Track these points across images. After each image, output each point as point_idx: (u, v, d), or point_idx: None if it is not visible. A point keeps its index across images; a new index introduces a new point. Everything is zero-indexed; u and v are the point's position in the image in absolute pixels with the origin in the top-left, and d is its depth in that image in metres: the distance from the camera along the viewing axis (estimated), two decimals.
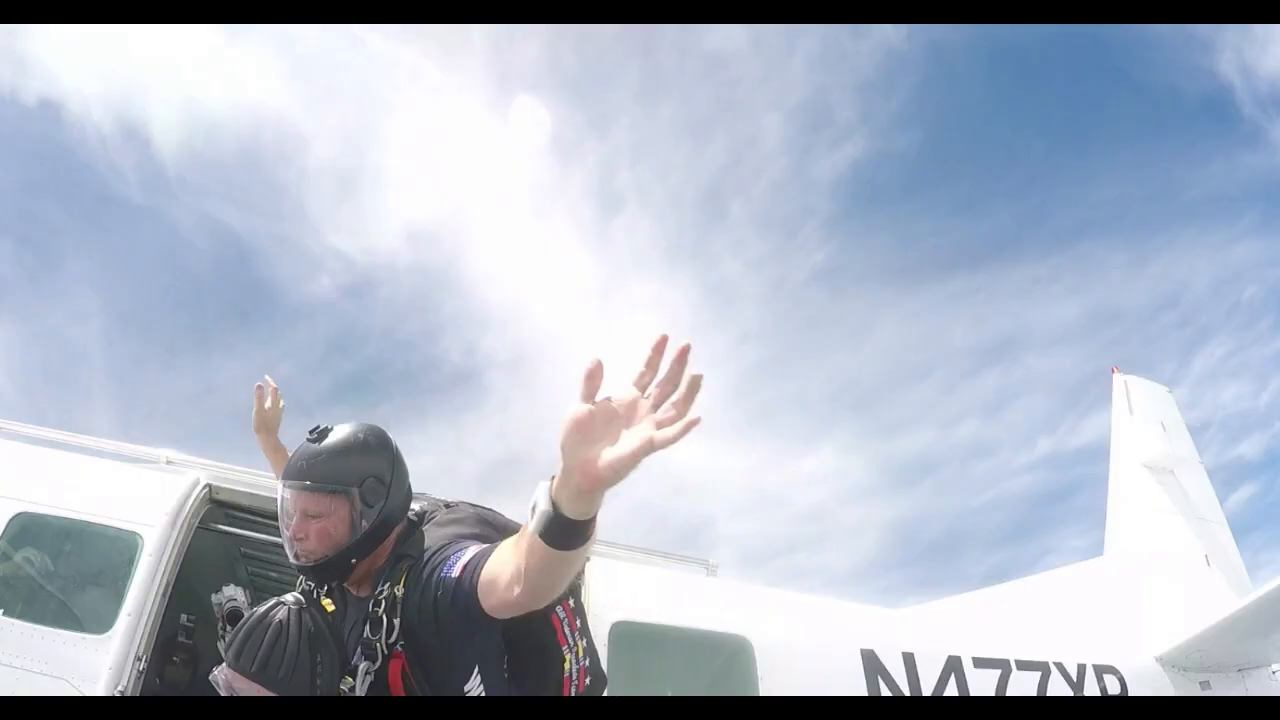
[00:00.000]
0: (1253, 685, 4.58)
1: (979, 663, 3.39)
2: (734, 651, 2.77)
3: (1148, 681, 3.93)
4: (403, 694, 2.25)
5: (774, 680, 2.82)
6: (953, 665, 3.31)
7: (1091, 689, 3.64)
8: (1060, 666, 3.60)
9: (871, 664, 3.12)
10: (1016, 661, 3.51)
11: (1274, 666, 4.93)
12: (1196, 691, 4.05)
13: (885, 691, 3.08)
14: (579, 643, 2.43)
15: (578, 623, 2.36)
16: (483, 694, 2.19)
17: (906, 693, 3.15)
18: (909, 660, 3.23)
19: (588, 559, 1.74)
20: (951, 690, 3.21)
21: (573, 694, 2.34)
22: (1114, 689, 3.73)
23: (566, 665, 2.31)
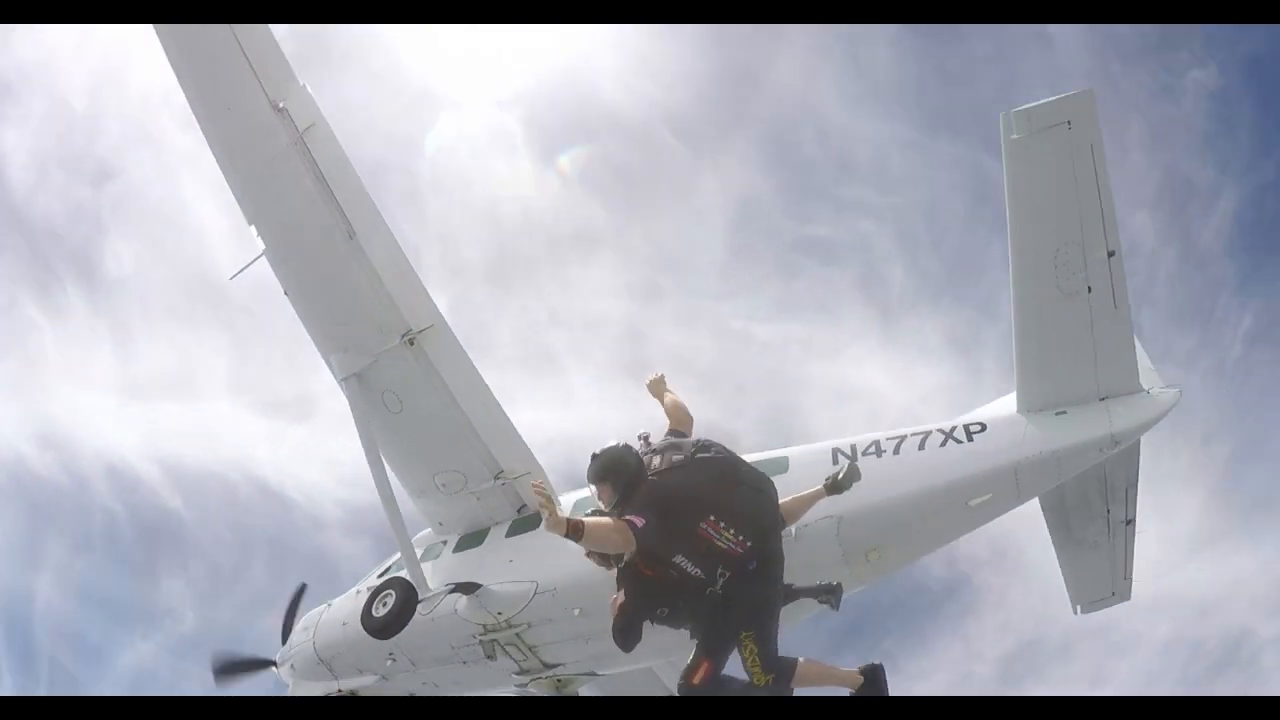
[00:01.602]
0: (1120, 412, 6.48)
1: (890, 438, 6.68)
2: (776, 463, 6.87)
3: (1008, 424, 6.57)
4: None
5: (798, 470, 6.84)
6: (876, 440, 6.72)
7: (959, 435, 6.43)
8: (941, 430, 6.57)
9: (836, 452, 6.86)
10: (912, 433, 6.69)
11: (1150, 388, 6.72)
12: (1052, 424, 6.44)
13: (845, 455, 6.75)
14: (726, 531, 4.55)
15: (721, 524, 4.54)
16: (687, 564, 4.49)
17: (846, 452, 6.74)
18: (854, 447, 6.85)
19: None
20: (872, 450, 6.59)
21: (740, 553, 4.53)
22: (976, 429, 6.49)
23: (721, 544, 4.53)
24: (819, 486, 5.39)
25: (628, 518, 4.54)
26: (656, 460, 4.97)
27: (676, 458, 4.95)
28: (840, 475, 5.37)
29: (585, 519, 4.60)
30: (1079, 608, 8.29)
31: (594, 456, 4.96)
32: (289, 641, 9.21)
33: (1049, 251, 6.03)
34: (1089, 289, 6.14)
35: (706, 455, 4.97)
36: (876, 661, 5.23)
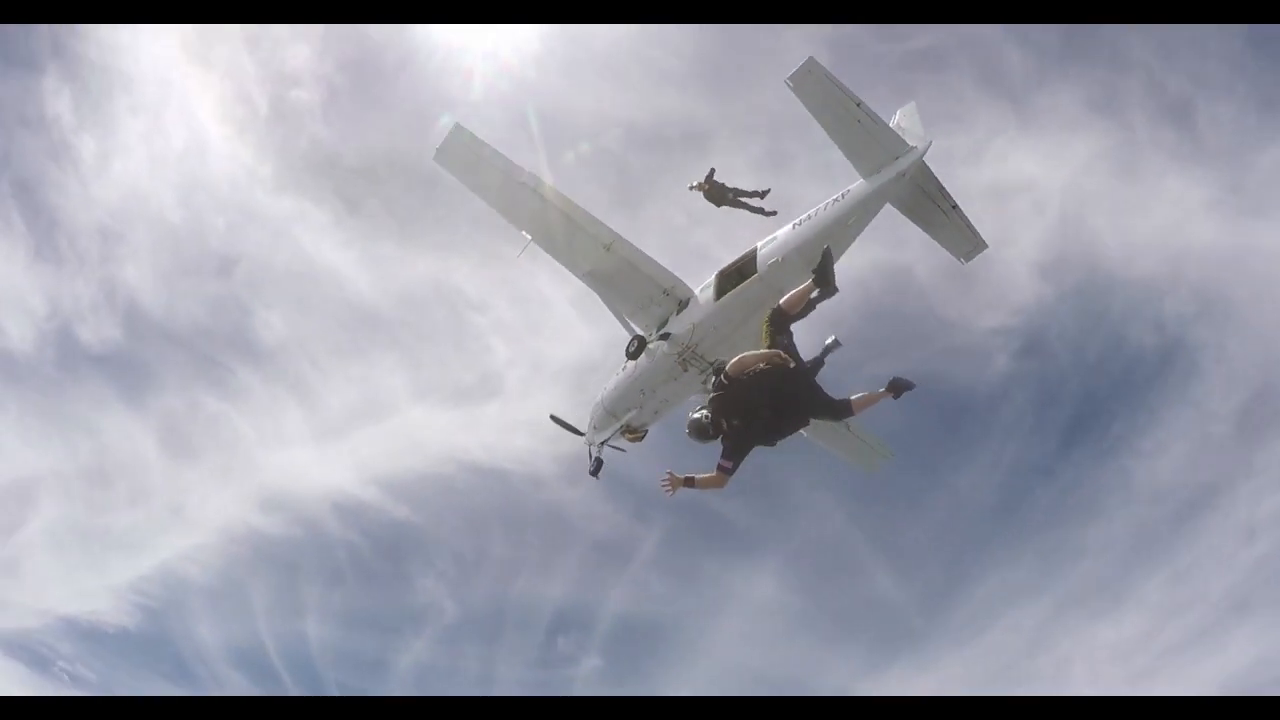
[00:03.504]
0: (899, 161, 13.61)
1: (815, 209, 14.57)
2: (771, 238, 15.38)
3: (858, 185, 13.79)
4: None
5: (780, 238, 15.21)
6: (810, 212, 14.39)
7: (839, 198, 14.07)
8: (834, 199, 14.37)
9: (793, 225, 15.10)
10: (820, 205, 14.64)
11: (917, 145, 13.68)
12: (875, 177, 13.99)
13: (797, 224, 14.93)
14: (777, 440, 8.75)
15: (769, 442, 8.72)
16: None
17: (799, 222, 14.82)
18: (802, 220, 14.86)
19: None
20: (808, 217, 14.71)
21: (791, 431, 8.77)
22: (846, 193, 14.17)
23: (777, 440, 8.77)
24: (809, 282, 8.76)
25: (720, 463, 8.43)
26: (724, 424, 8.37)
27: (735, 422, 8.33)
28: (816, 269, 8.72)
29: (696, 476, 8.58)
30: (961, 259, 15.91)
31: (686, 429, 8.55)
32: (591, 417, 17.66)
33: (835, 113, 13.69)
34: (859, 121, 13.97)
35: (753, 410, 8.34)
36: (895, 375, 8.78)
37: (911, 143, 14.29)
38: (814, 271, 8.74)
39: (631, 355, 16.43)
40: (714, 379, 8.65)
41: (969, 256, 15.82)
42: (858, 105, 13.79)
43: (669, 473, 8.63)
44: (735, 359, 8.55)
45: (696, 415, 8.53)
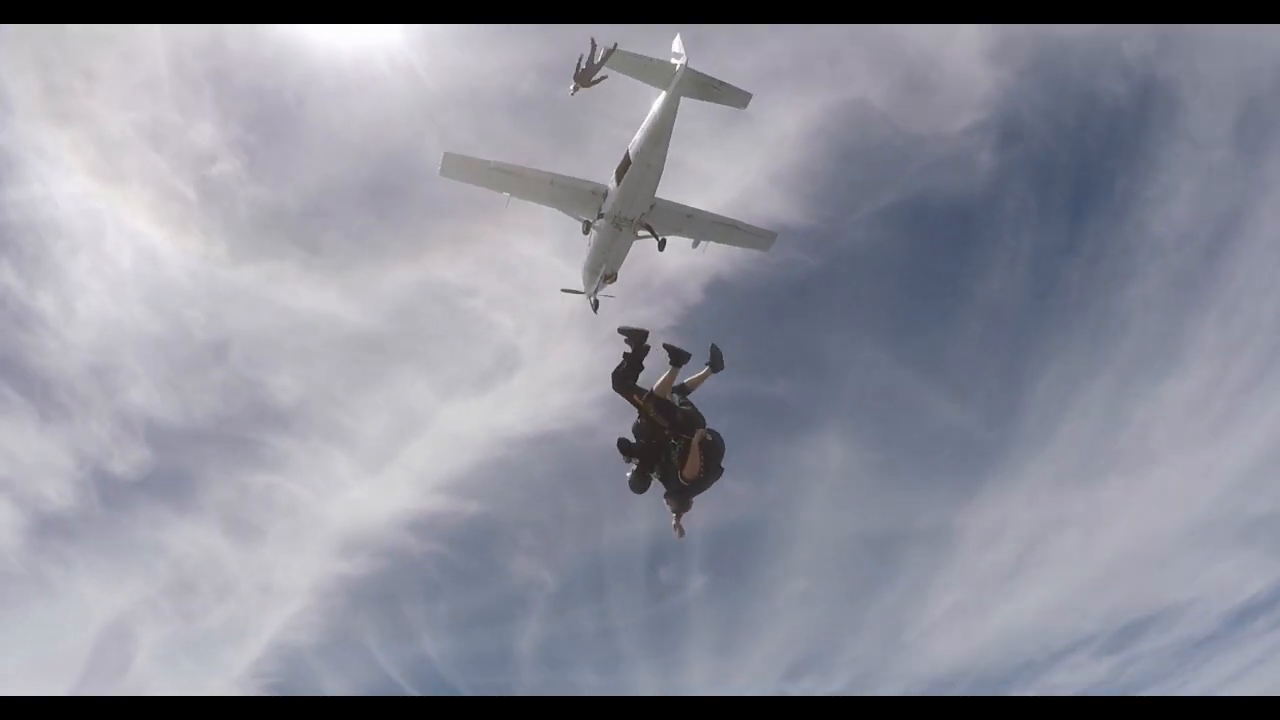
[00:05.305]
0: (672, 77, 24.85)
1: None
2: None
3: (661, 98, 25.24)
4: None
5: None
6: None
7: (650, 112, 25.70)
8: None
9: None
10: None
11: (680, 64, 24.81)
12: (664, 89, 25.38)
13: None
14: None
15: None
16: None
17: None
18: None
19: None
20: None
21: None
22: (655, 105, 25.63)
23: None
24: (670, 369, 11.05)
25: (679, 521, 10.54)
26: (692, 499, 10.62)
27: (703, 493, 10.50)
28: (670, 358, 10.92)
29: (678, 522, 10.72)
30: (740, 107, 26.86)
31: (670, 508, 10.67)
32: (582, 279, 29.80)
33: (636, 69, 23.88)
34: (647, 66, 24.39)
35: (708, 484, 10.49)
36: (711, 346, 11.16)
37: (678, 62, 25.24)
38: (670, 361, 10.74)
39: (585, 233, 28.62)
40: (674, 482, 10.30)
41: (744, 105, 26.78)
42: (646, 60, 25.14)
43: (673, 528, 10.51)
44: (686, 466, 10.36)
45: (675, 513, 10.61)
